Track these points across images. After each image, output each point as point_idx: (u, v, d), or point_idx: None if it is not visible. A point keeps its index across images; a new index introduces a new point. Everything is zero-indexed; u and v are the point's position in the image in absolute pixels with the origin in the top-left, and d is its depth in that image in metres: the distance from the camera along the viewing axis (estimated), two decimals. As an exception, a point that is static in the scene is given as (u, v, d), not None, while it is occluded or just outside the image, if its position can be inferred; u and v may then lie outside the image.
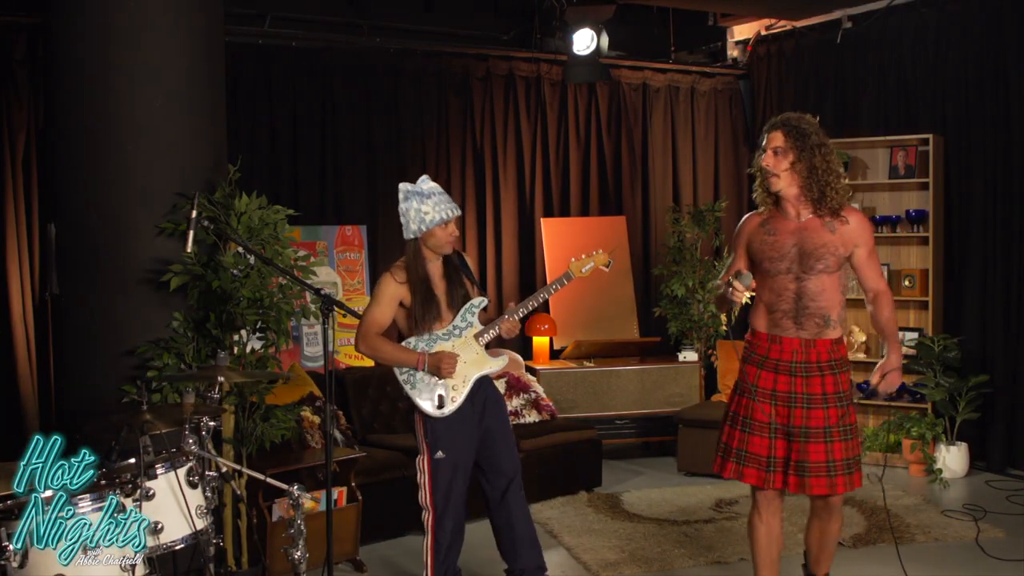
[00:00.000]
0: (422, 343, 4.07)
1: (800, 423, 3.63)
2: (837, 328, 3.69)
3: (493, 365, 4.14)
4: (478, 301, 4.14)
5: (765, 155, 3.68)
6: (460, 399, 4.06)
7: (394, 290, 4.07)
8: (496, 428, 4.17)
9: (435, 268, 4.11)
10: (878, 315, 3.80)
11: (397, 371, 4.10)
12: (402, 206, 4.05)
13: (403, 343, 4.10)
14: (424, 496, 4.08)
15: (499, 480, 4.17)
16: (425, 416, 4.06)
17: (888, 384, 3.69)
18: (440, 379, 4.03)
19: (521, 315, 4.14)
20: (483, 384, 4.15)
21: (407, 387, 4.07)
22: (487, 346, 4.16)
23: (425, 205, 4.00)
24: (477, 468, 4.17)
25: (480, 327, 4.12)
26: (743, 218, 3.90)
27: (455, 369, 4.02)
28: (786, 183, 3.66)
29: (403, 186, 4.09)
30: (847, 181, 3.73)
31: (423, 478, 4.09)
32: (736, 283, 3.52)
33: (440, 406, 4.03)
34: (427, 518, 4.09)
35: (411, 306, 4.06)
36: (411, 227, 4.04)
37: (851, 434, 3.67)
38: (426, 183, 4.08)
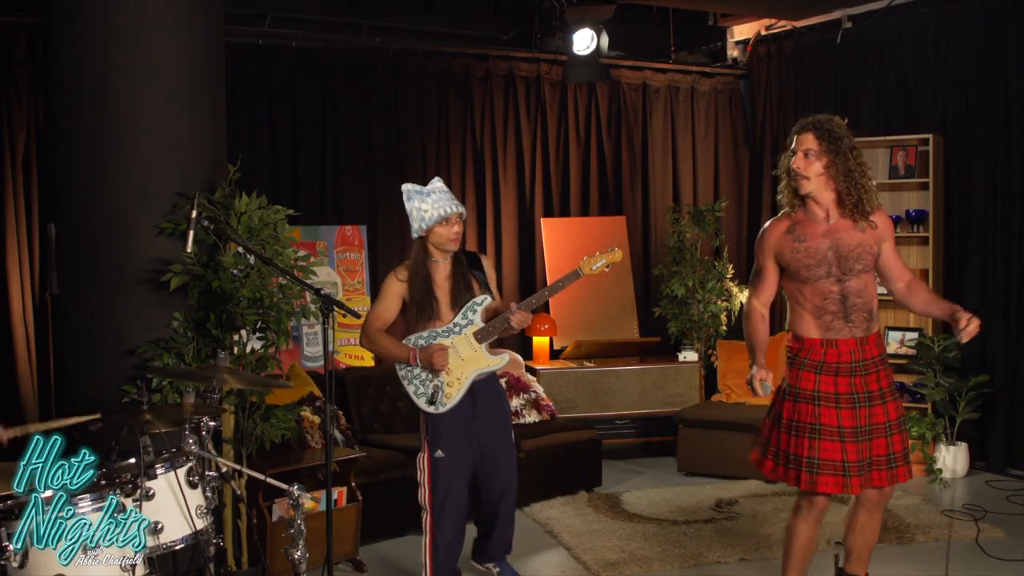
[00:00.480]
0: (421, 340, 4.08)
1: (865, 422, 3.61)
2: (878, 320, 3.72)
3: (492, 363, 4.12)
4: (480, 299, 4.13)
5: (796, 157, 3.62)
6: (456, 397, 4.05)
7: (397, 288, 4.12)
8: (498, 437, 4.18)
9: (441, 268, 4.12)
10: (921, 295, 3.79)
11: (397, 366, 4.13)
12: (407, 206, 4.09)
13: (404, 340, 4.12)
14: (423, 495, 4.09)
15: (495, 488, 4.20)
16: (428, 414, 4.07)
17: (970, 333, 3.55)
18: (435, 374, 4.04)
19: (532, 305, 4.10)
20: (487, 384, 4.15)
21: (404, 382, 4.10)
22: (491, 345, 4.16)
23: (425, 203, 4.02)
24: (476, 470, 4.17)
25: (481, 324, 4.11)
26: (764, 227, 3.77)
27: (447, 361, 4.02)
28: (818, 186, 3.60)
29: (406, 186, 4.12)
30: (875, 181, 3.70)
31: (422, 476, 4.10)
32: (759, 389, 3.57)
33: (431, 402, 4.03)
34: (425, 518, 4.09)
35: (409, 303, 4.09)
36: (414, 226, 4.08)
37: (904, 425, 3.71)
38: (430, 184, 4.12)
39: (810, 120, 3.67)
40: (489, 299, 4.16)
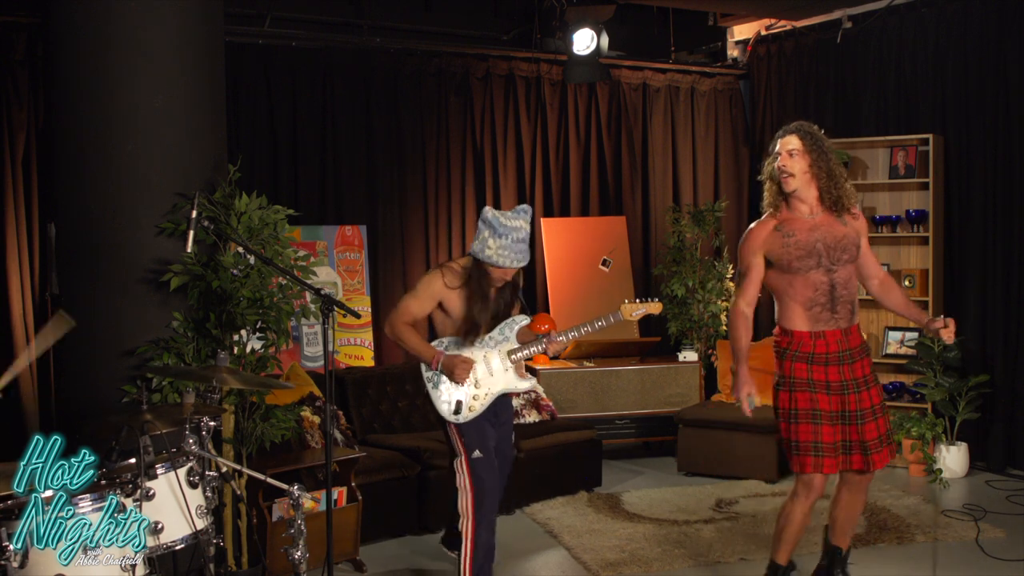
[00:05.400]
0: (452, 347, 4.07)
1: (854, 407, 3.86)
2: (858, 314, 3.95)
3: (519, 385, 4.15)
4: (520, 318, 4.14)
5: (781, 156, 3.87)
6: (479, 410, 4.05)
7: (439, 290, 4.06)
8: (504, 441, 4.22)
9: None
10: (895, 293, 4.08)
11: (423, 367, 4.12)
12: (480, 226, 4.00)
13: (434, 342, 4.11)
14: (464, 500, 4.05)
15: None
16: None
17: (952, 331, 3.86)
18: (457, 384, 4.02)
19: (569, 338, 4.12)
20: (503, 399, 4.15)
21: (429, 385, 4.08)
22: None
23: (495, 242, 3.93)
24: None
25: (515, 344, 4.11)
26: (749, 229, 3.99)
27: (467, 377, 4.01)
28: (802, 183, 3.86)
29: (488, 212, 3.98)
30: (850, 183, 3.97)
31: (463, 480, 4.06)
32: (746, 406, 3.87)
33: (456, 411, 4.02)
34: (467, 524, 4.05)
35: (463, 314, 4.05)
36: (475, 247, 4.00)
37: (886, 408, 3.99)
38: (513, 220, 3.94)
39: (793, 125, 3.97)
40: (528, 320, 4.16)
